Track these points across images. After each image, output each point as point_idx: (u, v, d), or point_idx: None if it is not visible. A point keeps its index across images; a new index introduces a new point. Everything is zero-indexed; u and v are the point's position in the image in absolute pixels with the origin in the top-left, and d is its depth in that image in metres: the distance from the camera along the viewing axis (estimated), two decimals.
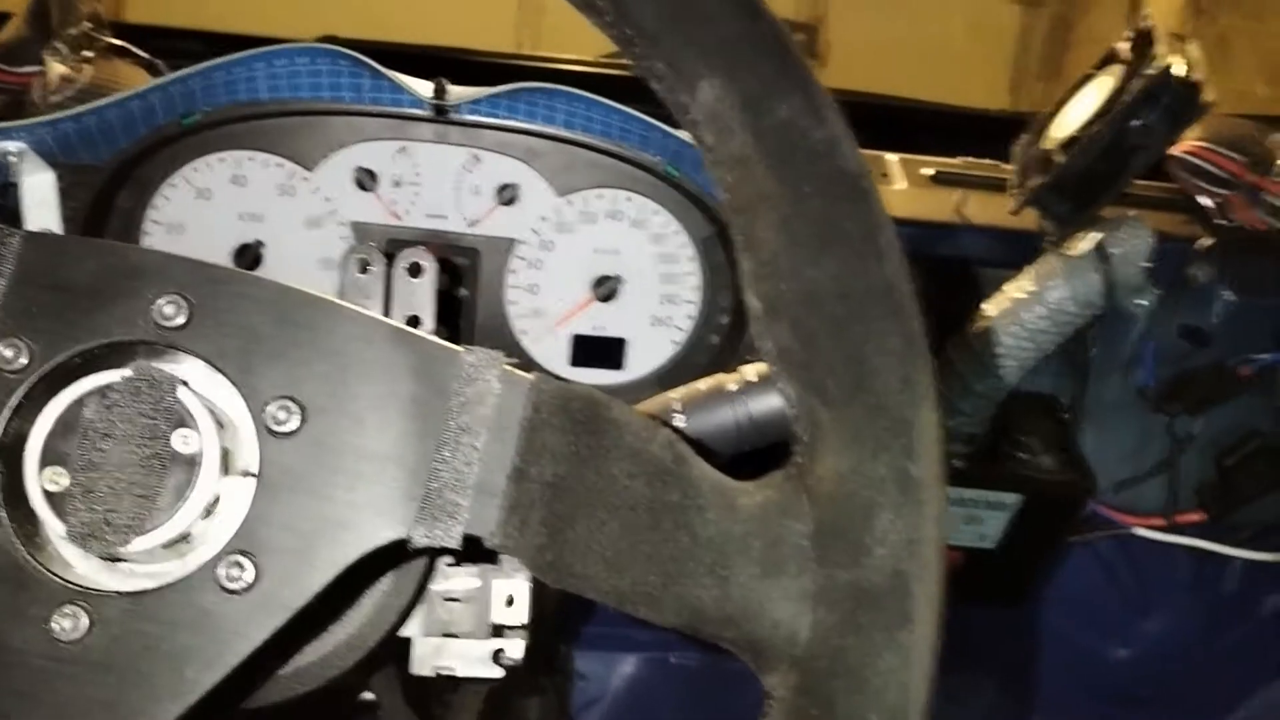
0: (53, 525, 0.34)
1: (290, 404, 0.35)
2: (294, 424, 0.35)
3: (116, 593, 0.34)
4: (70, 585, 0.34)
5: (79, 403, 0.35)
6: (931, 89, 1.36)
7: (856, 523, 0.33)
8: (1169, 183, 1.03)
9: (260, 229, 0.83)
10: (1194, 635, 1.25)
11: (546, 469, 0.35)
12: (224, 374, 0.36)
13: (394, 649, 0.51)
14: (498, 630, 0.52)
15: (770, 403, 0.53)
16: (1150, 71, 0.83)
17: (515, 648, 0.53)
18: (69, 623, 0.33)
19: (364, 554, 0.35)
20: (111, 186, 0.80)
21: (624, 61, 1.11)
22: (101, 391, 0.35)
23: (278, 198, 0.82)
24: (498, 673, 0.51)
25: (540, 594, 0.56)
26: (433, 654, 0.51)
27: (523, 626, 0.53)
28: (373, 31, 1.04)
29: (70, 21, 0.92)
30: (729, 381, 0.55)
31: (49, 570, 0.34)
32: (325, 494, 0.35)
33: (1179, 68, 0.82)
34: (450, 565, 0.51)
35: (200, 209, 0.82)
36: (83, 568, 0.35)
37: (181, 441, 0.35)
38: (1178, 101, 0.83)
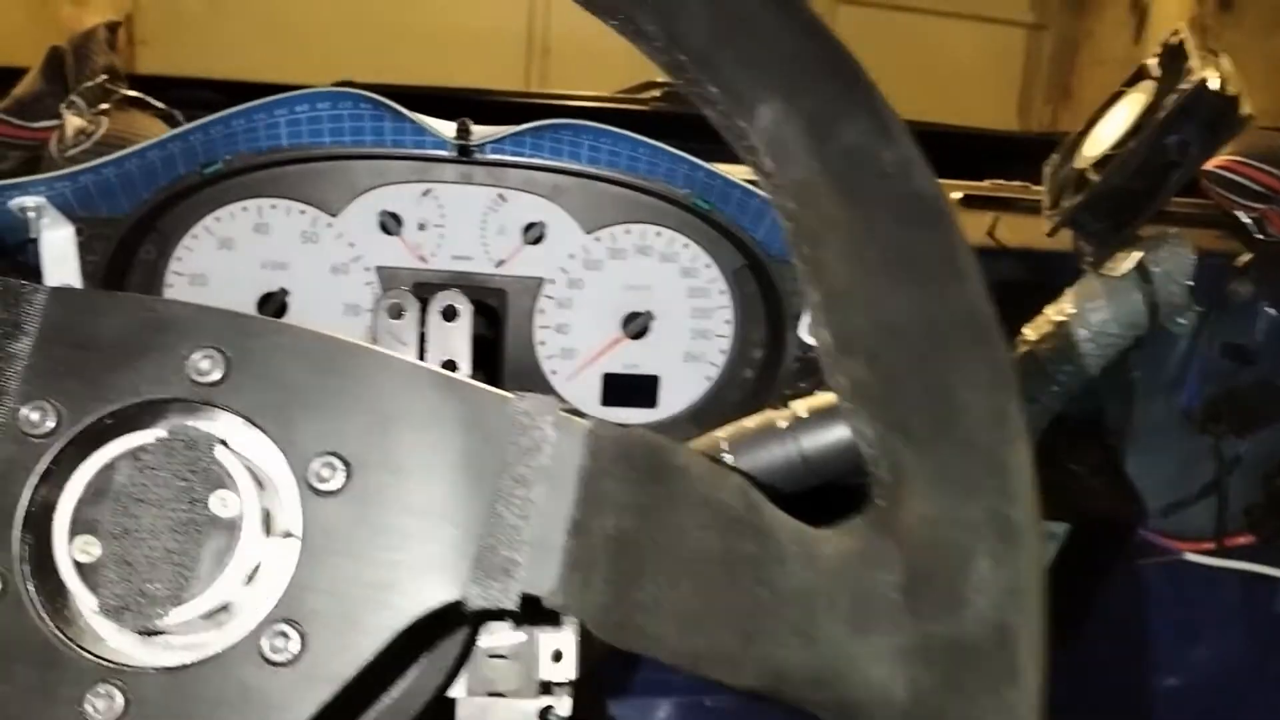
0: (84, 598, 0.32)
1: (334, 460, 0.33)
2: (338, 482, 0.33)
3: (153, 669, 0.32)
4: (103, 662, 0.32)
5: (110, 466, 0.33)
6: (940, 112, 1.34)
7: (952, 571, 0.31)
8: (1203, 199, 1.01)
9: (284, 277, 0.81)
10: (1245, 662, 1.21)
11: (609, 521, 0.32)
12: (263, 430, 0.34)
13: (438, 712, 0.49)
14: (545, 687, 0.50)
15: (824, 439, 0.51)
16: (1185, 86, 0.81)
17: (564, 705, 0.50)
18: (103, 704, 0.31)
19: (416, 618, 0.33)
20: (133, 239, 0.78)
21: (642, 97, 1.10)
22: (134, 454, 0.33)
23: (301, 245, 0.81)
24: None
25: (588, 648, 0.54)
26: (478, 715, 0.49)
27: (570, 683, 0.50)
28: (385, 75, 1.03)
29: (86, 74, 0.91)
30: (778, 419, 0.53)
31: (80, 647, 0.32)
32: (373, 555, 0.33)
33: (1214, 81, 0.80)
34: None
35: (223, 259, 0.81)
36: (116, 642, 0.33)
37: (220, 504, 0.33)
38: (1215, 115, 0.81)
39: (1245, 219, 0.98)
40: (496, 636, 0.49)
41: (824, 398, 0.50)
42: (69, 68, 0.92)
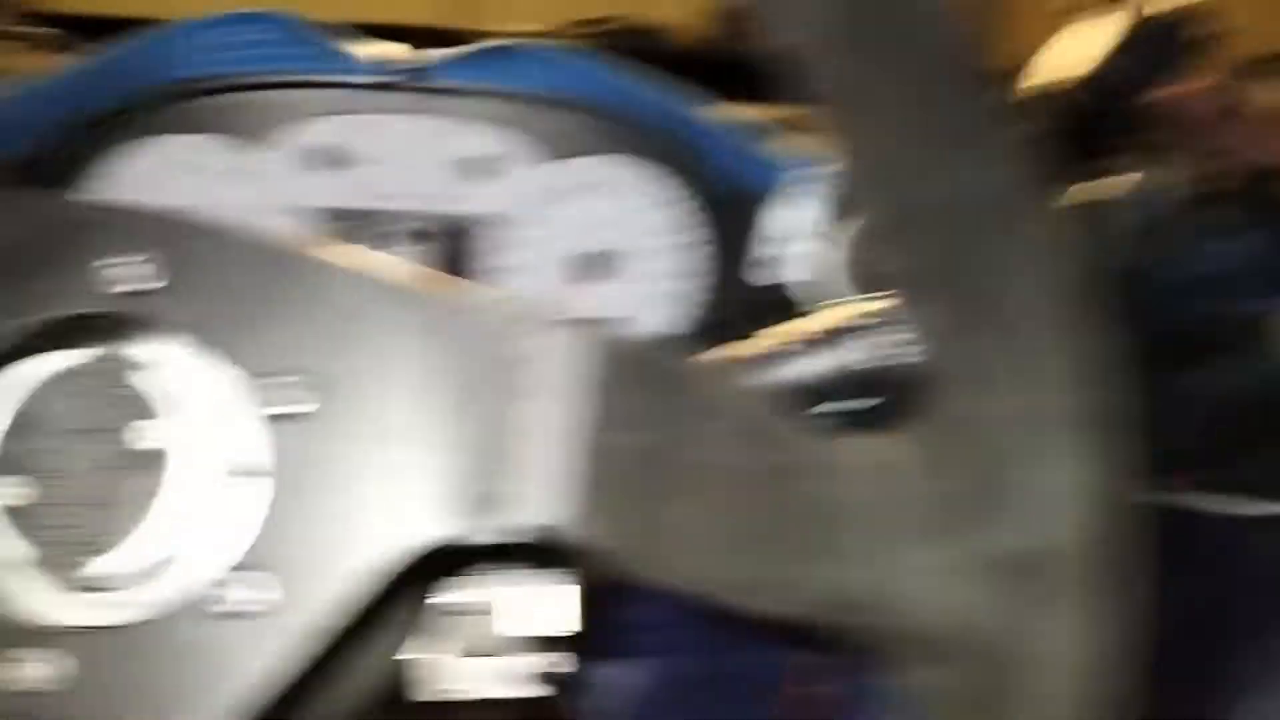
0: (16, 548, 0.27)
1: (301, 382, 0.28)
2: (308, 406, 0.28)
3: (100, 628, 0.27)
4: (39, 625, 0.27)
5: (35, 395, 0.28)
6: None
7: (1011, 476, 0.27)
8: (1151, 130, 1.00)
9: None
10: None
11: (627, 438, 0.28)
12: (214, 349, 0.28)
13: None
14: (538, 643, 0.45)
15: (834, 361, 0.47)
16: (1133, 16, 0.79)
17: (560, 662, 0.46)
18: (39, 670, 0.26)
19: (410, 559, 0.28)
20: (36, 181, 0.71)
21: (591, 31, 1.04)
22: (59, 379, 0.28)
23: (227, 184, 0.74)
24: (541, 690, 0.44)
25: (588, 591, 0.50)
26: (465, 676, 0.44)
27: (571, 638, 0.46)
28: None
29: None
30: (793, 340, 0.49)
31: (10, 607, 0.27)
32: (354, 489, 0.28)
33: (1160, 9, 0.79)
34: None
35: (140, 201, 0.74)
36: (55, 600, 0.28)
37: (166, 435, 0.28)
38: (1161, 45, 0.80)
39: (1192, 150, 0.98)
40: (484, 590, 0.45)
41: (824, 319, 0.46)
42: None
